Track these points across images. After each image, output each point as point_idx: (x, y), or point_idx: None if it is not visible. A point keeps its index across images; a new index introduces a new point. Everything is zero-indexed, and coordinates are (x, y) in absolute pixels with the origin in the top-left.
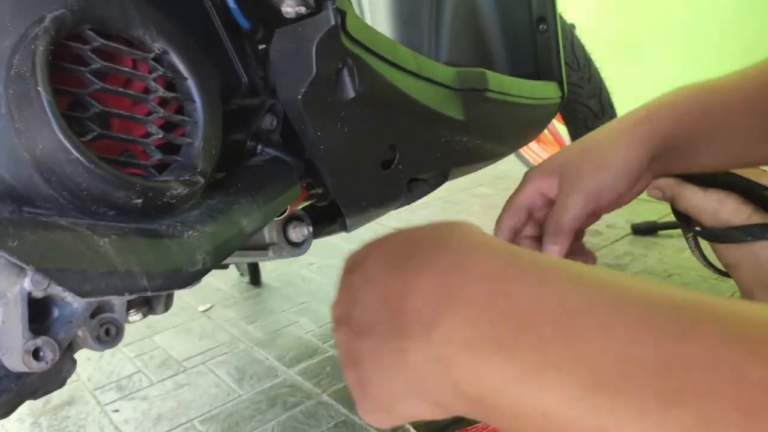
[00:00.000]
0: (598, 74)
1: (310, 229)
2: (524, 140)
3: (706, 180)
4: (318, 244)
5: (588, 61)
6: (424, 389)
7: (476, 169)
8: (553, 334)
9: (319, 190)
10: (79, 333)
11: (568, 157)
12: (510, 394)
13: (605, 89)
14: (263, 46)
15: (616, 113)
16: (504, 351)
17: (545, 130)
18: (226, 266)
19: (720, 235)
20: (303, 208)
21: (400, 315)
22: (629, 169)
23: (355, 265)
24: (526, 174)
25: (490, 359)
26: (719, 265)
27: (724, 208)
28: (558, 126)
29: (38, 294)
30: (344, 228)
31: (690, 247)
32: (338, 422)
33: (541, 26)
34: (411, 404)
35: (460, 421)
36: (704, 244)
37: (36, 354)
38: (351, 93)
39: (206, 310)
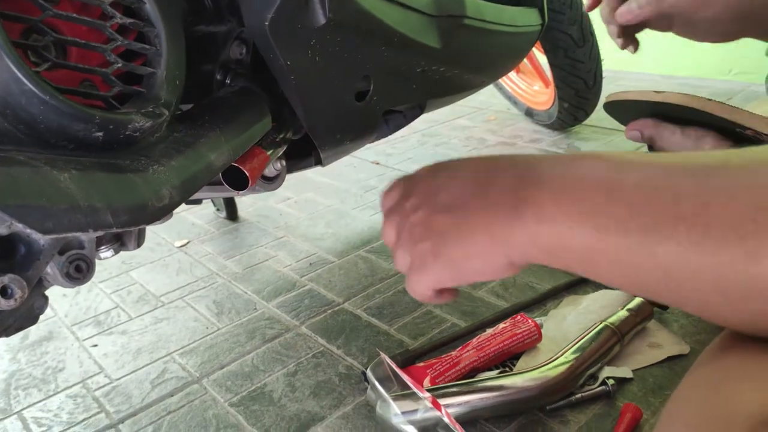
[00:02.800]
0: None
1: (284, 163)
2: (503, 70)
3: (683, 120)
4: (294, 178)
5: None
6: (508, 252)
7: (454, 101)
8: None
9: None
10: (49, 270)
11: None
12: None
13: (586, 15)
14: None
15: (597, 41)
16: (587, 219)
17: (525, 60)
18: (199, 201)
19: None
20: (277, 142)
21: (488, 191)
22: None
23: (434, 169)
24: None
25: (575, 227)
26: None
27: (702, 147)
28: (538, 55)
29: (2, 231)
30: (319, 162)
31: None
32: (316, 353)
33: None
34: (482, 262)
35: (431, 351)
36: None
37: (4, 292)
38: (321, 19)
39: (183, 246)
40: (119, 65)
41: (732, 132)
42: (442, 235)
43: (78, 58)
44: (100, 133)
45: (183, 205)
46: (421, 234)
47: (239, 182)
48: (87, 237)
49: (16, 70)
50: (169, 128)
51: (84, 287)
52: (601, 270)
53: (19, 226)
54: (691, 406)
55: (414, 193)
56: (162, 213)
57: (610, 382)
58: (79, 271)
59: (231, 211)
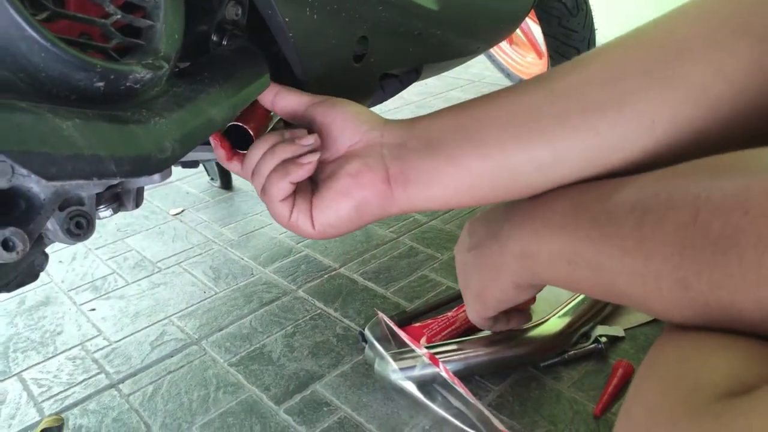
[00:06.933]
0: None
1: (282, 125)
2: (499, 36)
3: None
4: None
5: None
6: (506, 274)
7: (449, 67)
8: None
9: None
10: (49, 226)
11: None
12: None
13: None
14: None
15: (591, 10)
16: (560, 256)
17: (518, 31)
18: (197, 164)
19: None
20: None
21: (496, 233)
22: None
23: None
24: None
25: (553, 260)
26: None
27: None
28: (532, 26)
29: (2, 184)
30: None
31: None
32: (314, 315)
33: None
34: (495, 289)
35: (427, 312)
36: None
37: (6, 244)
38: None
39: (178, 214)
40: (119, 17)
41: None
42: (467, 271)
43: (76, 8)
44: (102, 83)
45: (177, 173)
46: (459, 273)
47: (242, 142)
48: (87, 193)
49: (16, 15)
50: (169, 83)
51: (80, 254)
52: (583, 291)
53: (20, 180)
54: (660, 373)
55: (460, 240)
56: (164, 165)
57: (603, 340)
58: (80, 228)
59: (225, 180)
